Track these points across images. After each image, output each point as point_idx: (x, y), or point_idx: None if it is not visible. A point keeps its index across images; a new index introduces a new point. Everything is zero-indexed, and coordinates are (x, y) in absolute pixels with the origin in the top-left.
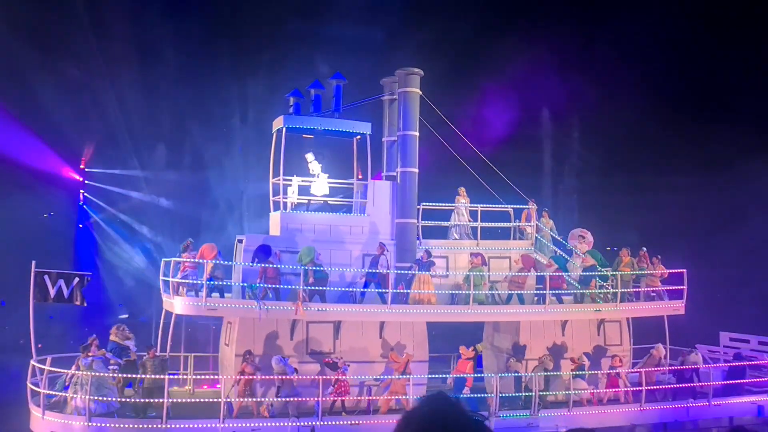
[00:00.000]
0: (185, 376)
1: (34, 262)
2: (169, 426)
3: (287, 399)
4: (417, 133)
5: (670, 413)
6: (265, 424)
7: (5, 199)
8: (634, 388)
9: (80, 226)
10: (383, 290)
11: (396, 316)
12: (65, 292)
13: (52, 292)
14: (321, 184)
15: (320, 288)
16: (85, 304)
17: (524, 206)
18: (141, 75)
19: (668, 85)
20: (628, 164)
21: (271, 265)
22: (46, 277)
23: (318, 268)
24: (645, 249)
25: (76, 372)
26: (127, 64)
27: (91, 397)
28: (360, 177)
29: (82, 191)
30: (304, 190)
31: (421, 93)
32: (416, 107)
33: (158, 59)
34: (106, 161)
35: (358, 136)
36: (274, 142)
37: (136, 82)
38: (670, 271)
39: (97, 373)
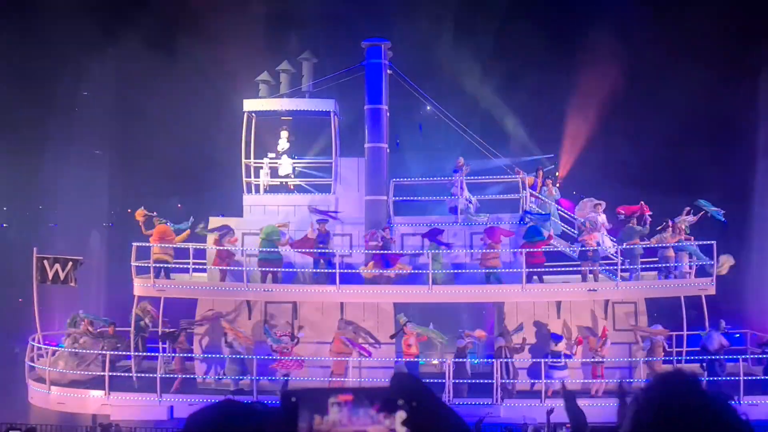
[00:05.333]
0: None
1: (35, 248)
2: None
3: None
4: (385, 107)
5: None
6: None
7: None
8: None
9: None
10: (332, 270)
11: (347, 297)
12: (61, 274)
13: (50, 274)
14: (284, 164)
15: (275, 270)
16: (77, 286)
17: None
18: None
19: None
20: None
21: (221, 247)
22: (45, 261)
23: (267, 249)
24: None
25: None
26: None
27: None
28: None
29: None
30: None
31: (389, 63)
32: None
33: None
34: None
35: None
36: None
37: None
38: (699, 243)
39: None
